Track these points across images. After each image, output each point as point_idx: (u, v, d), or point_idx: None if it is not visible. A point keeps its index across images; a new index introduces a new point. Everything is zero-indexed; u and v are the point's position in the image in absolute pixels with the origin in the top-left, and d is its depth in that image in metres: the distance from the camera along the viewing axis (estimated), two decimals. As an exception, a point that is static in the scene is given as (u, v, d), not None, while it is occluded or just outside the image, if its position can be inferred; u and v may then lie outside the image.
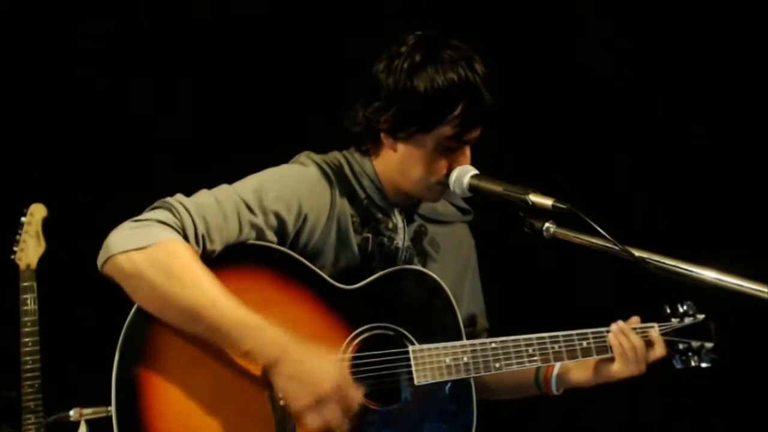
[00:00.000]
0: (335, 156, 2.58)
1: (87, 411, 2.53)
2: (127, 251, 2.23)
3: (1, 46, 3.73)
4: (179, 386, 2.25)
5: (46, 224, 3.40)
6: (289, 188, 2.44)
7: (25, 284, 3.32)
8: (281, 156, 2.59)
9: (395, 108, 2.45)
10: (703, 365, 2.62)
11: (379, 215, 2.57)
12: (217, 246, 2.32)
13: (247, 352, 2.24)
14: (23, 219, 3.38)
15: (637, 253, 2.22)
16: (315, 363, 2.25)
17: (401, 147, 2.50)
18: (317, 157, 2.55)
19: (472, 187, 2.45)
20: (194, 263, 2.25)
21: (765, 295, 2.09)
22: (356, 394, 2.29)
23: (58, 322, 3.42)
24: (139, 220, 2.29)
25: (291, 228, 2.42)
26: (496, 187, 2.41)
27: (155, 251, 2.22)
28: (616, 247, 2.24)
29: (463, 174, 2.47)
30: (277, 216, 2.40)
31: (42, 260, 3.36)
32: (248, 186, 2.41)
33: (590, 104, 3.96)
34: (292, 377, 2.23)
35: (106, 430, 2.30)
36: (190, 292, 2.21)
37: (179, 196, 2.34)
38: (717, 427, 3.89)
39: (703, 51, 3.96)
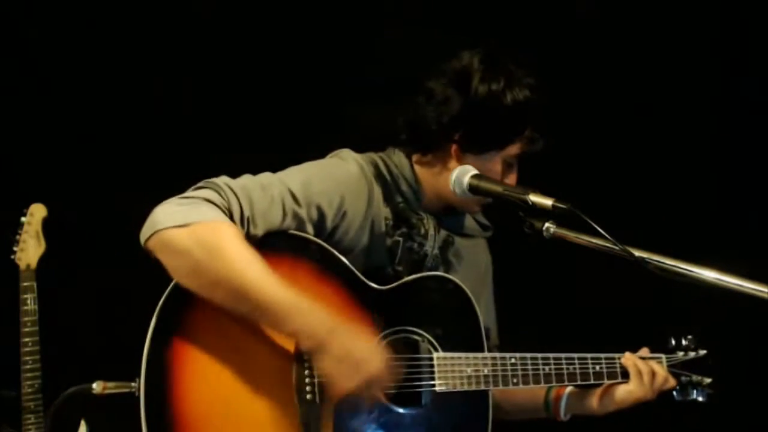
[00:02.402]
0: (371, 156, 2.60)
1: (110, 384, 2.52)
2: (174, 227, 2.22)
3: (1, 46, 3.73)
4: (209, 369, 2.25)
5: (46, 224, 3.39)
6: (333, 183, 2.45)
7: (25, 284, 3.32)
8: (285, 156, 2.58)
9: (477, 123, 2.48)
10: (700, 399, 2.70)
11: (413, 220, 2.58)
12: (260, 231, 2.33)
13: (293, 331, 2.25)
14: (23, 219, 3.38)
15: (637, 253, 2.23)
16: (362, 345, 2.28)
17: (471, 160, 2.52)
18: (356, 155, 2.57)
19: (472, 187, 2.46)
20: (241, 243, 2.25)
21: (765, 295, 2.09)
22: (394, 378, 2.34)
23: (58, 322, 3.42)
24: (186, 197, 2.29)
25: (329, 223, 2.43)
26: (495, 187, 2.43)
27: (203, 229, 2.22)
28: (616, 247, 2.24)
29: (463, 174, 2.48)
30: (319, 209, 2.41)
31: (42, 260, 3.36)
32: (294, 176, 2.42)
33: (590, 104, 3.96)
34: (342, 358, 2.24)
35: (107, 429, 2.30)
36: (237, 271, 2.21)
37: (225, 178, 2.35)
38: (717, 427, 3.89)
39: (703, 49, 3.96)
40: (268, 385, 2.28)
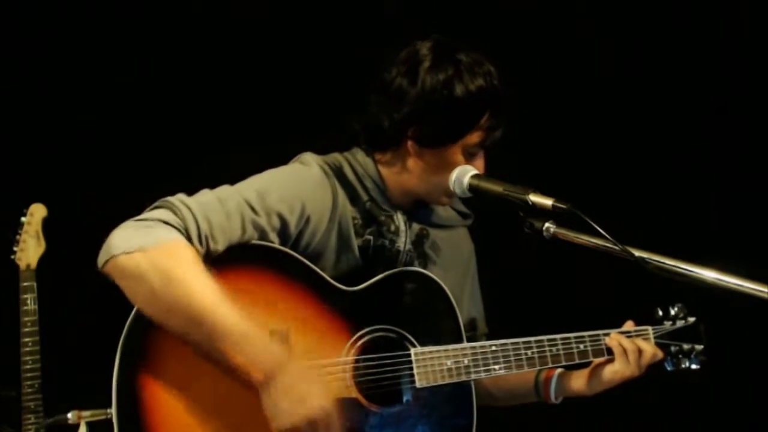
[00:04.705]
0: (335, 157, 2.57)
1: (86, 413, 2.50)
2: (129, 252, 2.20)
3: (1, 46, 3.73)
4: (181, 390, 2.23)
5: (46, 224, 3.40)
6: (293, 189, 2.42)
7: (25, 284, 3.32)
8: (280, 156, 2.58)
9: (429, 117, 2.44)
10: (693, 367, 2.66)
11: (382, 217, 2.56)
12: (220, 246, 2.30)
13: (242, 363, 2.20)
14: (23, 219, 3.38)
15: (637, 253, 2.22)
16: (309, 384, 2.22)
17: (428, 155, 2.49)
18: (318, 158, 2.54)
19: (471, 187, 2.45)
20: (196, 266, 2.22)
21: (765, 295, 2.09)
22: (338, 426, 2.25)
23: (58, 322, 3.42)
24: (142, 220, 2.26)
25: (293, 229, 2.41)
26: (496, 187, 2.41)
27: (157, 253, 2.20)
28: (616, 247, 2.23)
29: (463, 174, 2.47)
30: (280, 217, 2.39)
31: (42, 260, 3.36)
32: (251, 186, 2.40)
33: (590, 104, 3.96)
34: (285, 393, 2.19)
35: (106, 430, 2.30)
36: (191, 298, 2.18)
37: (181, 196, 2.32)
38: (716, 427, 3.89)
39: (703, 50, 3.96)
40: (241, 401, 2.25)
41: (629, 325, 2.64)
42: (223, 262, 2.29)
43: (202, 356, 2.22)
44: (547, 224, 2.33)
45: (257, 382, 2.21)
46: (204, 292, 2.20)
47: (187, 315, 2.19)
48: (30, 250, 3.35)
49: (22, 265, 3.34)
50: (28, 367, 3.25)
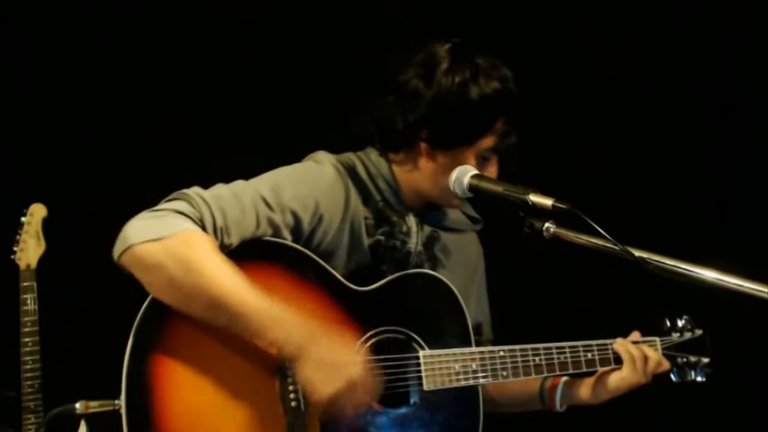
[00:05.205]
0: (349, 157, 2.57)
1: (93, 404, 2.49)
2: (145, 242, 2.20)
3: (1, 46, 3.73)
4: (190, 382, 2.23)
5: (46, 224, 3.40)
6: (306, 187, 2.43)
7: (25, 284, 3.32)
8: (278, 157, 2.58)
9: (443, 119, 2.44)
10: (699, 379, 2.68)
11: (394, 218, 2.56)
12: (234, 240, 2.31)
13: (272, 340, 2.23)
14: (23, 219, 3.38)
15: (637, 253, 2.22)
16: (341, 350, 2.26)
17: (441, 157, 2.49)
18: (332, 157, 2.55)
19: (471, 187, 2.45)
20: (214, 253, 2.23)
21: (765, 295, 2.09)
22: (376, 382, 2.31)
23: (58, 322, 3.42)
24: (157, 210, 2.27)
25: (306, 227, 2.41)
26: (496, 187, 2.41)
27: (175, 242, 2.20)
28: (616, 247, 2.23)
29: (463, 174, 2.47)
30: (294, 214, 2.39)
31: (42, 260, 3.36)
32: (266, 183, 2.40)
33: (590, 104, 3.96)
34: (321, 362, 2.21)
35: (106, 430, 2.30)
36: (211, 283, 2.19)
37: (197, 189, 2.33)
38: (717, 428, 3.89)
39: (702, 50, 3.96)
40: (251, 395, 2.26)
41: (636, 336, 2.65)
42: (236, 257, 2.28)
43: (231, 335, 2.25)
44: (547, 224, 2.33)
45: (289, 357, 2.25)
46: (223, 276, 2.21)
47: (207, 301, 2.20)
48: (30, 250, 3.35)
49: (22, 265, 3.34)
50: (28, 367, 3.25)
